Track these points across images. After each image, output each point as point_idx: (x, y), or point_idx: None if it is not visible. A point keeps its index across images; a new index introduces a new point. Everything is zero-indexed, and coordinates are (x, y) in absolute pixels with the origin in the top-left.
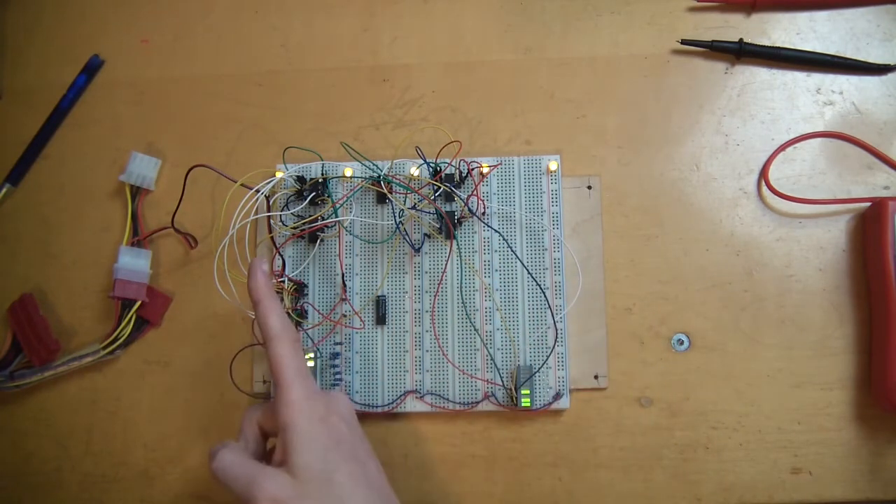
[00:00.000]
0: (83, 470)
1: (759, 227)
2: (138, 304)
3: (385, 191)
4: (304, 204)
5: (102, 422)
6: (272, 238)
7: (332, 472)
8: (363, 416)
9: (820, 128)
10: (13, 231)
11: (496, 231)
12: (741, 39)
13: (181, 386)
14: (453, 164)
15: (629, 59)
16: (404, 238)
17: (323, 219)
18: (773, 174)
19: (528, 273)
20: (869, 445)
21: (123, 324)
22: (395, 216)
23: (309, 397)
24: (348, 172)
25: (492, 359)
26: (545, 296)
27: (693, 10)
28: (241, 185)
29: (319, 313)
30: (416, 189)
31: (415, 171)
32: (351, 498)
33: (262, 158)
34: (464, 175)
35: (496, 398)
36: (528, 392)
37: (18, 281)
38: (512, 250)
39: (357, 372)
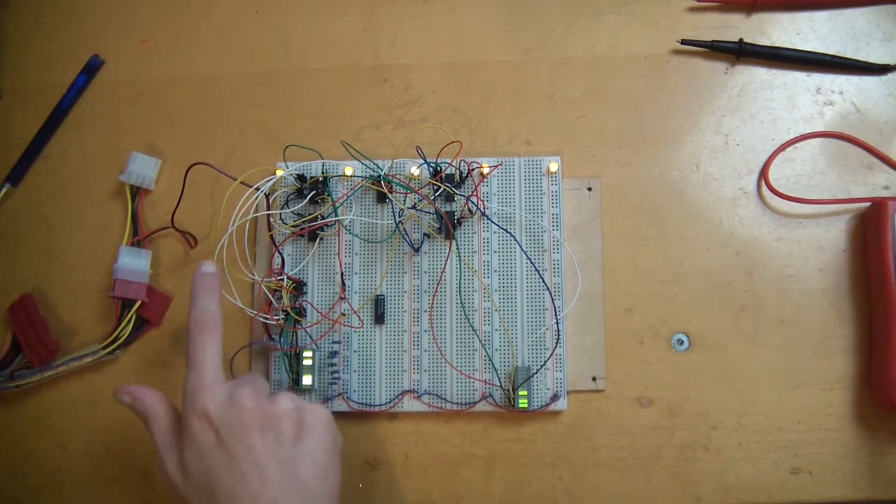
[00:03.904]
0: (83, 470)
1: (759, 227)
2: (138, 304)
3: (385, 190)
4: (304, 202)
5: (102, 422)
6: (272, 236)
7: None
8: (361, 416)
9: (820, 128)
10: (13, 231)
11: (503, 228)
12: (741, 39)
13: (181, 386)
14: (454, 164)
15: (629, 59)
16: (404, 238)
17: (323, 217)
18: (773, 174)
19: (537, 272)
20: (869, 445)
21: (123, 324)
22: (394, 216)
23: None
24: (349, 171)
25: (490, 359)
26: (550, 296)
27: (693, 10)
28: (241, 182)
29: (318, 312)
30: (417, 189)
31: (415, 171)
32: None
33: (262, 158)
34: (464, 175)
35: (494, 399)
36: (525, 393)
37: (18, 281)
38: (520, 246)
39: (355, 371)
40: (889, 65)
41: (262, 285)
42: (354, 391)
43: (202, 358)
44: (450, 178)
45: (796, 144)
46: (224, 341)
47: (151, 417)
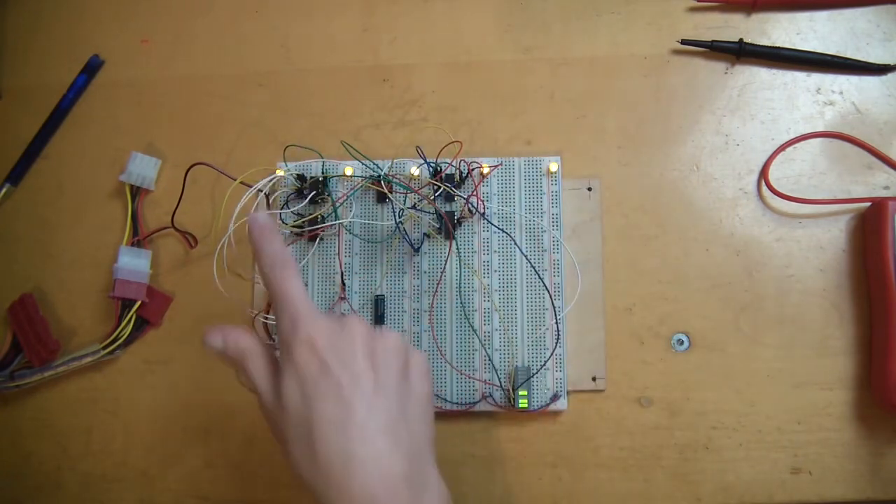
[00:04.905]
0: (83, 470)
1: (759, 227)
2: (138, 304)
3: (385, 190)
4: (305, 203)
5: (102, 422)
6: None
7: (308, 410)
8: None
9: (820, 128)
10: (13, 231)
11: (501, 230)
12: (741, 39)
13: (181, 386)
14: (454, 164)
15: (629, 59)
16: (404, 238)
17: (323, 217)
18: (773, 174)
19: (536, 273)
20: (869, 445)
21: (123, 324)
22: (394, 216)
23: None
24: (349, 171)
25: (490, 359)
26: (549, 297)
27: (693, 10)
28: (241, 182)
29: None
30: (417, 189)
31: (415, 171)
32: (321, 441)
33: (262, 158)
34: (464, 175)
35: (493, 399)
36: (525, 393)
37: (18, 281)
38: (519, 249)
39: None
40: (889, 65)
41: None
42: None
43: (291, 292)
44: (450, 178)
45: (796, 144)
46: None
47: (248, 354)
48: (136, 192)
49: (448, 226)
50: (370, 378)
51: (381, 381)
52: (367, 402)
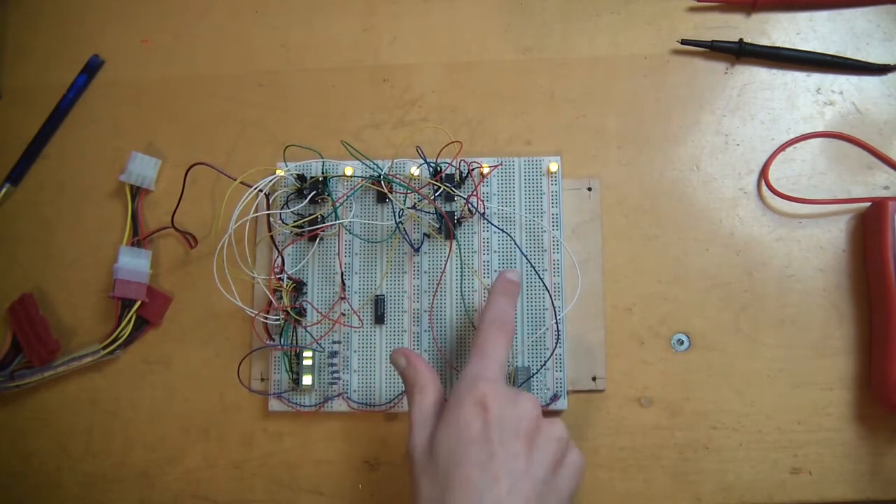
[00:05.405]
0: (83, 470)
1: (759, 227)
2: (138, 304)
3: (385, 190)
4: (305, 202)
5: (102, 422)
6: (272, 236)
7: (452, 466)
8: (361, 416)
9: (820, 128)
10: (13, 231)
11: (501, 230)
12: (741, 39)
13: (181, 386)
14: (454, 164)
15: (629, 59)
16: (404, 238)
17: (323, 217)
18: (773, 174)
19: (536, 273)
20: (869, 445)
21: (123, 324)
22: (395, 216)
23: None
24: (349, 171)
25: None
26: (549, 297)
27: (693, 10)
28: (241, 182)
29: (318, 312)
30: (417, 189)
31: (415, 171)
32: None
33: (262, 158)
34: (464, 175)
35: None
36: None
37: (18, 281)
38: (520, 250)
39: (355, 371)
40: (889, 65)
41: (263, 285)
42: (354, 391)
43: (493, 351)
44: (450, 178)
45: (796, 144)
46: (225, 343)
47: (420, 387)
48: (136, 192)
49: (448, 226)
50: (523, 460)
51: (532, 467)
52: (512, 483)
